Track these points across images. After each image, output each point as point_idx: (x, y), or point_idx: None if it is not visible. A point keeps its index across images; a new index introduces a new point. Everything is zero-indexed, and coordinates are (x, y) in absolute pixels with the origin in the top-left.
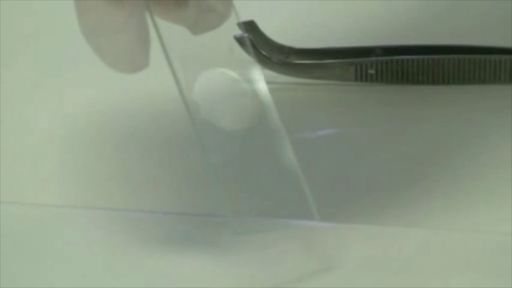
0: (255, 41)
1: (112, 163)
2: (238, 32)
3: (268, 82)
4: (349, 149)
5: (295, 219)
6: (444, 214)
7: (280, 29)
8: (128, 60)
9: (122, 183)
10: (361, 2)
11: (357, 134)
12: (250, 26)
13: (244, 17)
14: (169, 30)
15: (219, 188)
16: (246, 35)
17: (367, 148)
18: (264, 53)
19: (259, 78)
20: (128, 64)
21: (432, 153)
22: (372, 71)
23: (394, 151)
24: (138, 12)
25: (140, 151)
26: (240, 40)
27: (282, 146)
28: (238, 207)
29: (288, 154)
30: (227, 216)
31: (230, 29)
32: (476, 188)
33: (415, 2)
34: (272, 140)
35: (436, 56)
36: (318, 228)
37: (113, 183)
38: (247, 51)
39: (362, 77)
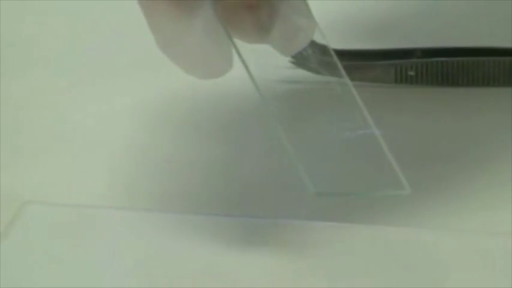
0: None
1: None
2: None
3: (308, 82)
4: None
5: (385, 191)
6: (445, 214)
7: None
8: (207, 67)
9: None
10: (402, 3)
11: (395, 135)
12: None
13: None
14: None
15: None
16: None
17: (404, 149)
18: (304, 53)
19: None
20: (208, 70)
21: (460, 153)
22: (411, 73)
23: (430, 151)
24: (212, 22)
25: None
26: None
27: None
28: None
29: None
30: (306, 175)
31: None
32: (476, 188)
33: (455, 4)
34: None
35: (476, 58)
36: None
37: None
38: None
39: (402, 78)
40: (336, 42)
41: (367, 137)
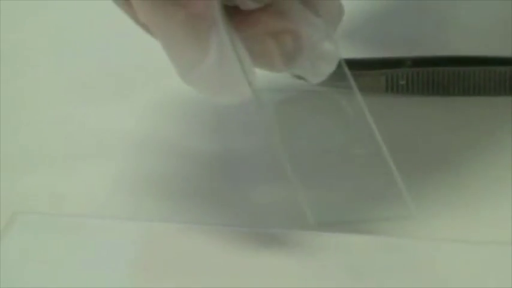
0: None
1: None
2: None
3: (298, 91)
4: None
5: (389, 216)
6: (442, 224)
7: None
8: (228, 92)
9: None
10: (392, 12)
11: (386, 144)
12: None
13: None
14: None
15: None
16: None
17: (395, 159)
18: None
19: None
20: (229, 95)
21: (451, 163)
22: (402, 82)
23: (422, 161)
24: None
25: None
26: None
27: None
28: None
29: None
30: (308, 204)
31: None
32: (473, 197)
33: (446, 13)
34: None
35: (466, 68)
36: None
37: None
38: None
39: (393, 87)
40: None
41: (373, 155)
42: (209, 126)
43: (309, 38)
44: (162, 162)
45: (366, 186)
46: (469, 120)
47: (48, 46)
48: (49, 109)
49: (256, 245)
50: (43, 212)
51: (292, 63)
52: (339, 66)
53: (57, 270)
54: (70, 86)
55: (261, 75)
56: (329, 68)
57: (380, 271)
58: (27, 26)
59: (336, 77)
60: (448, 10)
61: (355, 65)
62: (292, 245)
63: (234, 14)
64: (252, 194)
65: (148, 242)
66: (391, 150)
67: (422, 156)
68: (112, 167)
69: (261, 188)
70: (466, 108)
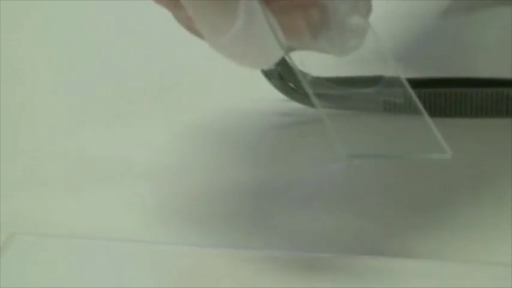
0: (282, 72)
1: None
2: None
3: (296, 114)
4: (377, 179)
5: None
6: (445, 245)
7: (308, 61)
8: (258, 55)
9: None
10: (390, 34)
11: (385, 164)
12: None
13: None
14: None
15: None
16: (273, 67)
17: (394, 178)
18: (291, 85)
19: None
20: (259, 61)
21: (449, 183)
22: (400, 101)
23: (419, 181)
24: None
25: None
26: (267, 73)
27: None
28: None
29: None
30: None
31: None
32: (476, 218)
33: (444, 35)
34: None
35: (464, 89)
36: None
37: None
38: (274, 84)
39: (391, 107)
40: (325, 70)
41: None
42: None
43: (336, 10)
44: (166, 186)
45: (397, 125)
46: (467, 141)
47: (56, 64)
48: (53, 132)
49: (291, 269)
50: (41, 233)
51: (319, 36)
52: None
53: None
54: (74, 108)
55: None
56: (357, 43)
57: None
58: (32, 41)
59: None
60: (447, 32)
61: (353, 84)
62: (326, 269)
63: None
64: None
65: (154, 263)
66: (389, 170)
67: (420, 176)
68: (113, 191)
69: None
70: (464, 129)
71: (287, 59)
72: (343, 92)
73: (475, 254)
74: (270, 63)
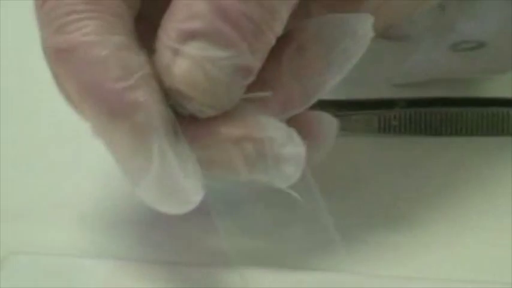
0: None
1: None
2: None
3: None
4: (372, 201)
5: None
6: (444, 264)
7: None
8: (175, 201)
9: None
10: (385, 53)
11: (380, 185)
12: None
13: None
14: None
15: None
16: None
17: (389, 199)
18: None
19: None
20: (177, 204)
21: (445, 203)
22: (395, 123)
23: (415, 201)
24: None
25: None
26: None
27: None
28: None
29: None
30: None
31: None
32: (475, 237)
33: (438, 54)
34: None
35: (459, 108)
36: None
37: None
38: None
39: (385, 128)
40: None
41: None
42: None
43: (272, 143)
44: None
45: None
46: (461, 161)
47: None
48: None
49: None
50: (38, 253)
51: (255, 170)
52: None
53: None
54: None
55: None
56: (295, 171)
57: None
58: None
59: None
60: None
61: (348, 106)
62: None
63: (190, 122)
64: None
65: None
66: (384, 191)
67: (416, 196)
68: (108, 209)
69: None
70: (459, 148)
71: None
72: (338, 113)
73: (474, 273)
74: (189, 208)
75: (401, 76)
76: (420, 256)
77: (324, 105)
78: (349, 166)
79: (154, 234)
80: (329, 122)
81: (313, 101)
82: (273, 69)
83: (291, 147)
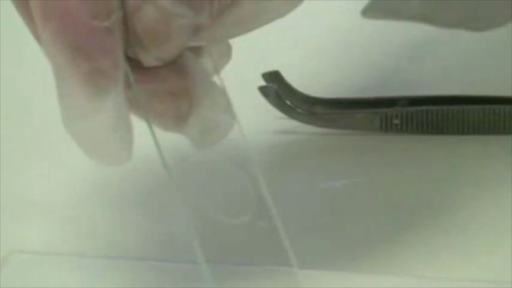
0: (279, 91)
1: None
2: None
3: (293, 133)
4: (374, 199)
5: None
6: (443, 263)
7: (305, 79)
8: (106, 153)
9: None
10: (387, 53)
11: (382, 184)
12: (275, 76)
13: (269, 67)
14: None
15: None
16: (270, 85)
17: (391, 197)
18: (288, 103)
19: None
20: (109, 157)
21: (447, 202)
22: (396, 121)
23: (417, 200)
24: (120, 108)
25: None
26: (264, 90)
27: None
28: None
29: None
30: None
31: None
32: (475, 236)
33: (440, 52)
34: None
35: (461, 106)
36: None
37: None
38: (271, 101)
39: (387, 127)
40: (322, 91)
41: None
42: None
43: (204, 104)
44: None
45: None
46: (463, 159)
47: None
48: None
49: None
50: (38, 252)
51: (182, 123)
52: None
53: None
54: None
55: None
56: (219, 139)
57: None
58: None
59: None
60: (442, 49)
61: (350, 104)
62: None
63: (135, 66)
64: None
65: (143, 281)
66: (386, 189)
67: (417, 195)
68: (108, 209)
69: None
70: (461, 147)
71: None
72: (340, 112)
73: (474, 272)
74: (120, 162)
75: (372, 8)
76: (422, 255)
77: (325, 103)
78: (350, 164)
79: (155, 233)
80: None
81: (222, 39)
82: None
83: (222, 115)
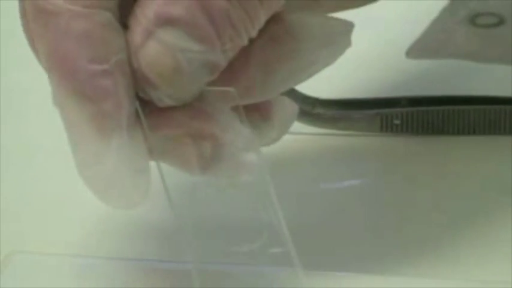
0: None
1: None
2: None
3: (293, 133)
4: (373, 200)
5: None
6: (444, 263)
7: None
8: (120, 196)
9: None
10: (387, 52)
11: (382, 184)
12: None
13: None
14: None
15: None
16: None
17: (392, 198)
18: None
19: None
20: (120, 200)
21: (448, 202)
22: (397, 122)
23: (417, 201)
24: (129, 149)
25: None
26: None
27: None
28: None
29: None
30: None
31: None
32: (476, 236)
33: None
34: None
35: (461, 107)
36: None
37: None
38: None
39: (387, 127)
40: (322, 92)
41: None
42: None
43: (230, 146)
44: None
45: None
46: (464, 160)
47: None
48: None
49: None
50: (38, 252)
51: (209, 170)
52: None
53: None
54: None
55: None
56: (247, 179)
57: None
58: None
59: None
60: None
61: (350, 105)
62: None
63: (150, 109)
64: None
65: (145, 281)
66: (386, 190)
67: (418, 195)
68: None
69: None
70: (461, 147)
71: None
72: (340, 112)
73: (475, 273)
74: (132, 206)
75: (417, 48)
76: (424, 255)
77: (325, 104)
78: (351, 165)
79: (155, 233)
80: (290, 105)
81: (273, 95)
82: (241, 58)
83: (250, 154)
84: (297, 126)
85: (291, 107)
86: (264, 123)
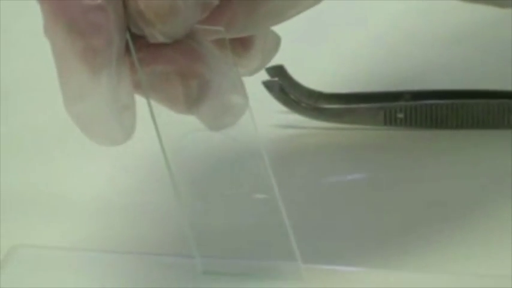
0: (284, 85)
1: None
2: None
3: (297, 127)
4: (377, 193)
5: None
6: (447, 257)
7: (309, 74)
8: (105, 133)
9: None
10: (390, 47)
11: (386, 178)
12: (279, 71)
13: (273, 61)
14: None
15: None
16: (275, 79)
17: (395, 192)
18: (293, 97)
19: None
20: (105, 137)
21: (451, 196)
22: (400, 116)
23: (421, 195)
24: (117, 86)
25: None
26: (268, 84)
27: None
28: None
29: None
30: (194, 255)
31: None
32: (477, 230)
33: (443, 47)
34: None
35: (465, 101)
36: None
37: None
38: (275, 96)
39: (391, 121)
40: (326, 86)
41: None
42: None
43: (217, 86)
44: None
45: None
46: (467, 154)
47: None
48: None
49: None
50: (39, 246)
51: (194, 109)
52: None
53: None
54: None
55: None
56: (232, 121)
57: None
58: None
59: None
60: (446, 44)
61: (354, 98)
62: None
63: (141, 44)
64: None
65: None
66: (390, 183)
67: (421, 189)
68: (110, 203)
69: None
70: (464, 141)
71: None
72: (344, 107)
73: (475, 266)
74: (115, 143)
75: None
76: (426, 250)
77: (329, 98)
78: (354, 159)
79: (156, 229)
80: (272, 36)
81: (257, 30)
82: None
83: (235, 97)
84: (301, 120)
85: (274, 37)
86: (247, 53)
